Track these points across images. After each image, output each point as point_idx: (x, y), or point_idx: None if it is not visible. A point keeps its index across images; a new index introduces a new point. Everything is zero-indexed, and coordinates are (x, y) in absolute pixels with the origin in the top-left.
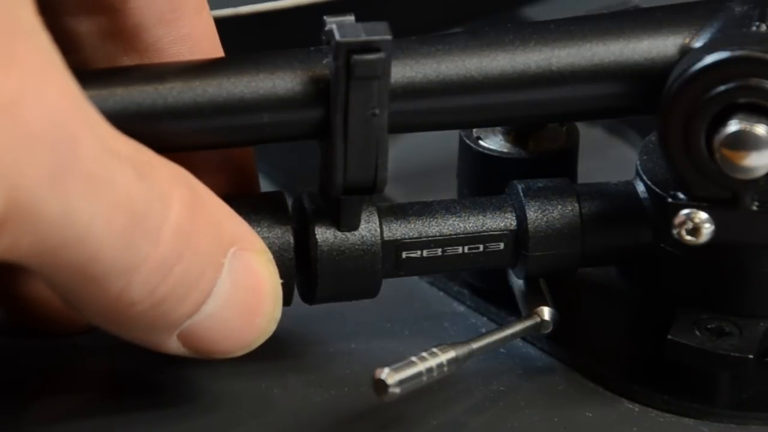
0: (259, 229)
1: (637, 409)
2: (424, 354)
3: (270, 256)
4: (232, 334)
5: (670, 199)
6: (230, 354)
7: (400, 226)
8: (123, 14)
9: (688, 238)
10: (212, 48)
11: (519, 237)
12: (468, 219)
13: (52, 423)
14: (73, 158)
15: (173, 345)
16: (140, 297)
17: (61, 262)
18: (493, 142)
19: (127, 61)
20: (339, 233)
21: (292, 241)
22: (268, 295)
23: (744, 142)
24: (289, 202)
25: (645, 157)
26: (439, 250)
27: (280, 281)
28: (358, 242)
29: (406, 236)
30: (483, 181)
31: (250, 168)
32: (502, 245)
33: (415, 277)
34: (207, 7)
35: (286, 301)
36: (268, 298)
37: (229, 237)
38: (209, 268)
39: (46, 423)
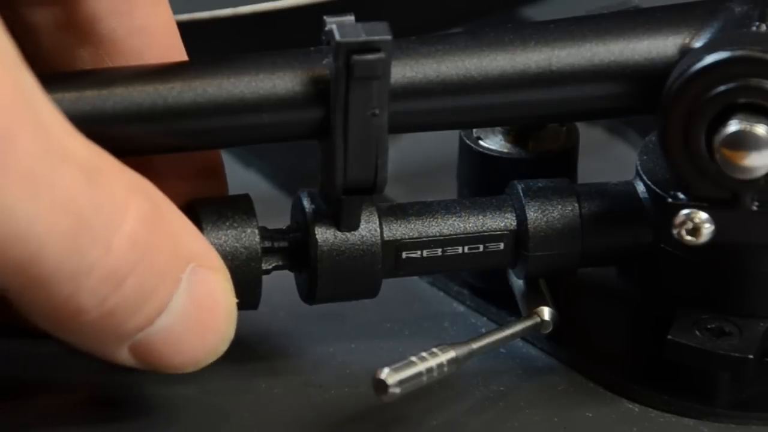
0: (225, 236)
1: (637, 409)
2: (424, 354)
3: (227, 274)
4: (183, 350)
5: (670, 199)
6: (180, 370)
7: (400, 226)
8: (78, 5)
9: (688, 238)
10: (170, 41)
11: (519, 237)
12: (468, 219)
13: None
14: (8, 154)
15: (124, 356)
16: (89, 305)
17: (3, 261)
18: (493, 142)
19: (83, 53)
20: (339, 233)
21: (259, 248)
22: (223, 313)
23: (744, 142)
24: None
25: (645, 157)
26: (439, 250)
27: (246, 288)
28: (358, 242)
29: (406, 236)
30: (483, 181)
31: (218, 171)
32: (502, 245)
33: (415, 277)
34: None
35: (253, 305)
36: (223, 317)
37: (188, 252)
38: (165, 282)
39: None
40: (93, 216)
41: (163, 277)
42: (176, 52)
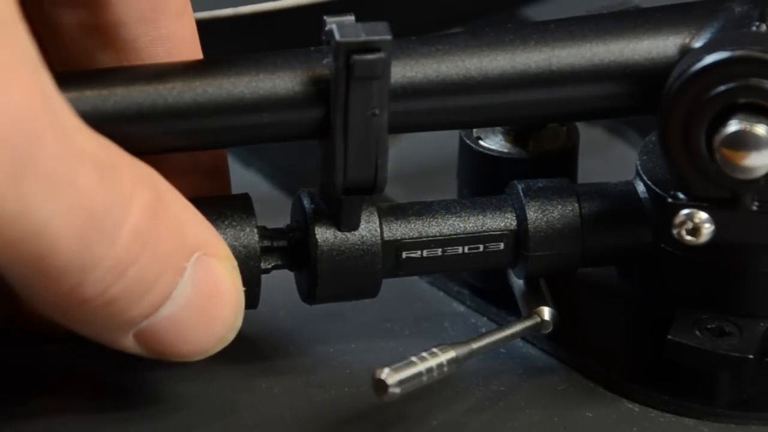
0: (224, 235)
1: (637, 409)
2: (424, 354)
3: (235, 263)
4: (189, 339)
5: (670, 199)
6: (187, 358)
7: (400, 226)
8: (104, 9)
9: (688, 238)
10: (192, 52)
11: (519, 237)
12: (468, 219)
13: (27, 421)
14: (33, 158)
15: (129, 343)
16: (92, 295)
17: (17, 256)
18: (493, 142)
19: (104, 57)
20: (339, 233)
21: (258, 247)
22: (229, 302)
23: (744, 142)
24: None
25: (645, 157)
26: (439, 250)
27: (245, 287)
28: (358, 242)
29: (406, 236)
30: (483, 181)
31: (223, 170)
32: (502, 245)
33: (415, 277)
34: (190, 11)
35: (252, 304)
36: (229, 306)
37: (193, 241)
38: (168, 271)
39: (19, 421)
40: (103, 213)
41: (166, 266)
42: None
